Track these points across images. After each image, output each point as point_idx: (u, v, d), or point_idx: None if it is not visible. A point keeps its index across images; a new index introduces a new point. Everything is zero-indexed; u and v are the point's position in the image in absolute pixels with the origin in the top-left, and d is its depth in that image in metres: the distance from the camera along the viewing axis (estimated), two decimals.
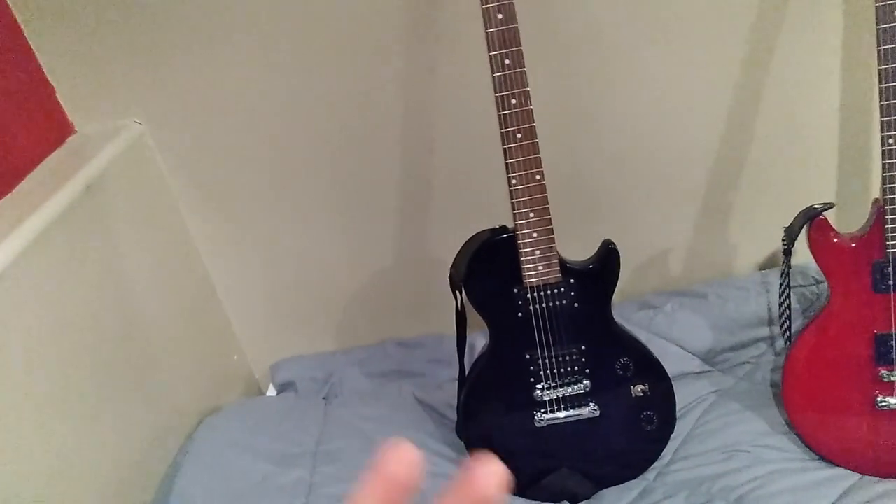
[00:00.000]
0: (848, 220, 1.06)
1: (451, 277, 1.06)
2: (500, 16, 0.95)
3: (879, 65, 0.92)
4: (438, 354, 1.33)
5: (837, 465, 1.05)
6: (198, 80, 1.18)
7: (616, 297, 1.38)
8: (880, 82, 0.93)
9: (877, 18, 0.90)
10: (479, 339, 1.24)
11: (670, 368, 1.20)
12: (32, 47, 1.15)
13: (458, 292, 1.06)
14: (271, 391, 1.42)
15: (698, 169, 1.25)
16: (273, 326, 1.44)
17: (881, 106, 0.93)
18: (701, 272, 1.34)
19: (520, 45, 0.96)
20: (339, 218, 1.31)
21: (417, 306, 1.40)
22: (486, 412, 1.10)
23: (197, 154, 1.25)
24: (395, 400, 1.25)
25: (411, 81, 1.18)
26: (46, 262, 0.99)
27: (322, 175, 1.27)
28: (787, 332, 1.11)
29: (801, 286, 1.23)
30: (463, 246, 1.06)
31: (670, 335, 1.25)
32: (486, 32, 0.95)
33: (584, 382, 1.07)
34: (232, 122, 1.22)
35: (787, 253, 1.05)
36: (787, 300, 1.10)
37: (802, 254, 1.05)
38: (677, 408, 1.14)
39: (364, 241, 1.34)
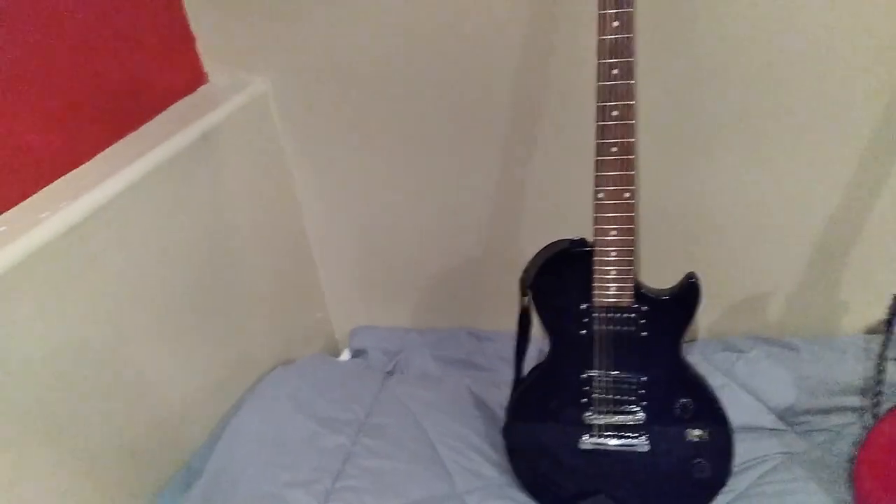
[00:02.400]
0: None
1: (521, 280, 1.05)
2: (615, 23, 0.91)
3: None
4: (508, 352, 1.31)
5: None
6: (327, 50, 1.23)
7: (702, 334, 1.33)
8: None
9: None
10: (546, 345, 1.23)
11: (741, 418, 1.15)
12: None
13: (525, 297, 1.05)
14: (346, 354, 1.48)
15: (818, 211, 1.15)
16: (359, 293, 1.50)
17: None
18: (799, 324, 1.24)
19: (631, 57, 0.92)
20: (438, 202, 1.34)
21: (498, 301, 1.40)
22: (534, 421, 1.09)
23: (313, 120, 1.31)
24: (452, 389, 1.26)
25: (521, 80, 1.17)
26: (158, 195, 1.08)
27: (428, 161, 1.29)
28: (877, 408, 1.01)
29: None
30: (539, 251, 1.04)
31: (749, 384, 1.18)
32: (598, 39, 0.92)
33: (638, 415, 1.03)
34: (353, 96, 1.26)
35: (891, 322, 0.96)
36: (884, 373, 1.00)
37: None
38: (738, 460, 1.08)
39: (456, 228, 1.36)
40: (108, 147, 1.10)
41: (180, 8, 1.25)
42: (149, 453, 1.08)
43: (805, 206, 1.15)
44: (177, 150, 1.12)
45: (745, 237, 1.20)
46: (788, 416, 1.16)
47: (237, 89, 1.27)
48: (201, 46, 1.29)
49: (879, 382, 1.00)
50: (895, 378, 1.11)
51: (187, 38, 1.28)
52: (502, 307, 1.39)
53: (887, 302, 0.97)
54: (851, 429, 1.12)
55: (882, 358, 0.99)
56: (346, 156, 1.34)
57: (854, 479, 0.99)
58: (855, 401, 1.13)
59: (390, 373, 1.35)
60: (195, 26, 1.27)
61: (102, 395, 1.00)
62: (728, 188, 1.17)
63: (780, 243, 1.20)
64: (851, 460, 1.07)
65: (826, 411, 1.15)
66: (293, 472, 1.04)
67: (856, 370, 1.14)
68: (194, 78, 1.30)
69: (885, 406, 1.02)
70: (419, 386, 1.28)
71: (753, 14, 1.04)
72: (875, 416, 1.02)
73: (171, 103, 1.24)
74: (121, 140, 1.12)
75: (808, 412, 1.15)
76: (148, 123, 1.18)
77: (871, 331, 1.22)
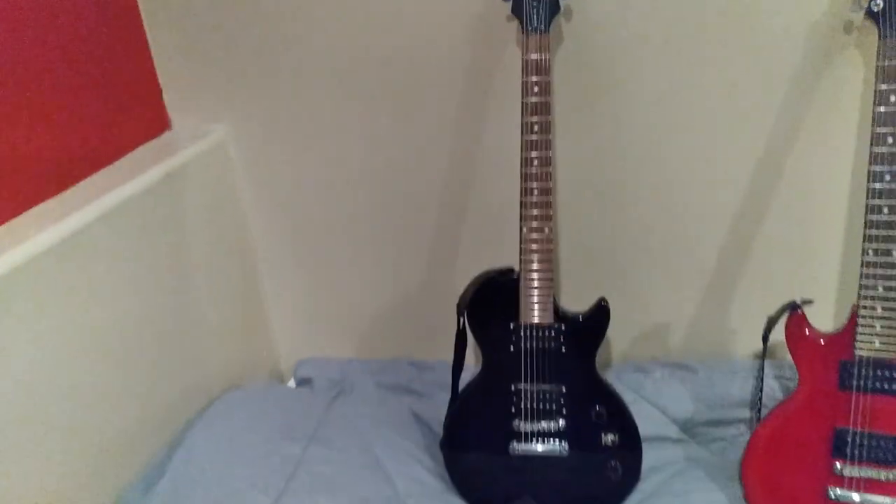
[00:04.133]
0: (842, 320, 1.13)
1: (457, 304, 1.19)
2: (536, 89, 1.09)
3: (868, 181, 1.01)
4: (447, 380, 1.43)
5: None
6: (286, 101, 1.38)
7: (617, 358, 1.50)
8: (868, 196, 1.02)
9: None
10: (478, 368, 1.36)
11: (649, 430, 1.29)
12: (151, 50, 1.37)
13: (461, 318, 1.19)
14: (292, 383, 1.57)
15: (708, 250, 1.34)
16: (306, 325, 1.61)
17: (865, 220, 1.02)
18: (700, 349, 1.42)
19: (549, 115, 1.10)
20: (383, 240, 1.48)
21: (436, 332, 1.52)
22: (468, 433, 1.21)
23: (268, 163, 1.44)
24: (394, 409, 1.38)
25: (460, 137, 1.34)
26: (122, 227, 1.18)
27: (374, 201, 1.44)
28: (758, 415, 1.18)
29: (787, 378, 1.30)
30: (473, 279, 1.19)
31: (656, 400, 1.34)
32: (522, 101, 1.10)
33: (560, 421, 1.17)
34: (309, 152, 1.41)
35: (765, 339, 1.14)
36: (761, 383, 1.17)
37: None
38: (646, 466, 1.23)
39: (399, 263, 1.50)
40: (76, 183, 1.20)
41: (149, 60, 1.38)
42: (114, 456, 1.15)
43: (699, 239, 1.34)
44: (143, 186, 1.23)
45: (647, 270, 1.38)
46: (689, 428, 1.32)
47: (199, 136, 1.40)
48: (167, 96, 1.42)
49: (761, 391, 1.17)
50: (778, 393, 1.29)
51: (154, 89, 1.40)
52: (440, 338, 1.52)
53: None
54: (742, 438, 1.28)
55: (761, 371, 1.16)
56: (300, 208, 1.48)
57: (741, 476, 1.15)
58: (745, 413, 1.30)
59: (335, 397, 1.45)
60: (162, 77, 1.40)
61: (74, 402, 1.07)
62: (631, 222, 1.35)
63: (677, 277, 1.38)
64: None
65: (720, 423, 1.31)
66: (249, 475, 1.13)
67: (745, 388, 1.31)
68: (159, 124, 1.42)
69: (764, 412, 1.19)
70: (363, 405, 1.38)
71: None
72: (757, 420, 1.18)
73: (138, 146, 1.36)
74: (89, 177, 1.23)
75: (705, 424, 1.32)
76: (116, 163, 1.29)
77: (758, 356, 1.41)
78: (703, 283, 1.37)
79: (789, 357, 1.11)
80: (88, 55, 1.23)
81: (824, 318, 1.16)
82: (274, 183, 1.46)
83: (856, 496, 1.06)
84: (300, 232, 1.50)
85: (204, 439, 1.20)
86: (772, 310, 1.15)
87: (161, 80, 1.40)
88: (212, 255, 1.42)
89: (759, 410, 1.18)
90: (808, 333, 1.07)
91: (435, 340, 1.53)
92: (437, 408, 1.38)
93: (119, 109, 1.31)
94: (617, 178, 1.32)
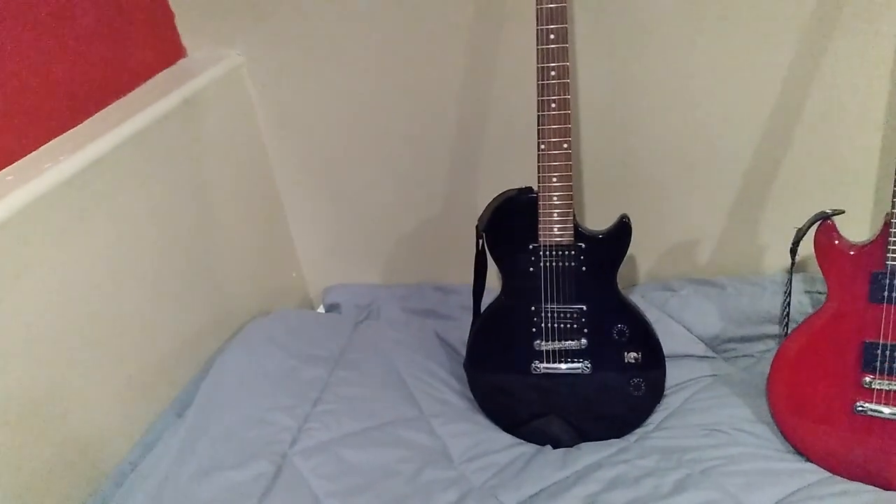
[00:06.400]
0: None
1: (476, 226, 1.18)
2: None
3: None
4: (470, 303, 1.45)
5: (809, 461, 1.10)
6: (298, 27, 1.35)
7: (643, 278, 1.47)
8: None
9: None
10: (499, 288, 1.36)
11: (674, 348, 1.29)
12: None
13: (480, 240, 1.17)
14: (320, 310, 1.60)
15: (737, 164, 1.29)
16: (331, 253, 1.62)
17: None
18: (728, 265, 1.39)
19: (565, 23, 1.05)
20: (402, 166, 1.46)
21: (459, 256, 1.52)
22: (491, 353, 1.22)
23: (283, 88, 1.42)
24: (418, 332, 1.39)
25: (476, 47, 1.30)
26: (142, 154, 1.19)
27: (391, 128, 1.42)
28: (785, 329, 1.16)
29: (818, 292, 1.27)
30: (492, 200, 1.17)
31: (681, 317, 1.32)
32: (537, 7, 1.05)
33: (581, 341, 1.16)
34: (323, 69, 1.38)
35: (794, 251, 1.10)
36: (789, 297, 1.14)
37: None
38: (671, 383, 1.22)
39: (419, 189, 1.48)
40: (93, 114, 1.20)
41: None
42: (147, 385, 1.19)
43: (726, 155, 1.29)
44: (162, 112, 1.23)
45: (674, 187, 1.34)
46: (715, 345, 1.31)
47: (214, 62, 1.38)
48: (179, 22, 1.40)
49: (788, 305, 1.14)
50: (808, 308, 1.26)
51: (167, 15, 1.38)
52: (464, 262, 1.52)
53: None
54: (771, 353, 1.26)
55: (788, 285, 1.13)
56: (316, 124, 1.45)
57: (767, 391, 1.13)
58: (774, 329, 1.28)
59: (361, 322, 1.47)
60: (174, 3, 1.37)
61: (106, 332, 1.11)
62: (656, 138, 1.31)
63: (705, 191, 1.34)
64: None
65: (748, 339, 1.29)
66: (275, 399, 1.16)
67: (774, 303, 1.28)
68: (174, 52, 1.40)
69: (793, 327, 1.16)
70: (389, 328, 1.40)
71: None
72: (785, 334, 1.16)
73: (154, 74, 1.35)
74: (110, 105, 1.23)
75: (732, 340, 1.30)
76: (133, 91, 1.29)
77: (789, 270, 1.37)
78: (732, 197, 1.33)
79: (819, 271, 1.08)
80: None
81: (859, 232, 1.11)
82: (290, 110, 1.44)
83: (885, 409, 1.04)
84: (319, 159, 1.49)
85: (232, 364, 1.23)
86: (803, 222, 1.11)
87: (172, 6, 1.37)
88: (234, 184, 1.42)
89: (787, 325, 1.16)
90: (837, 244, 1.04)
91: (459, 264, 1.52)
92: (462, 330, 1.39)
93: (132, 37, 1.29)
94: (640, 94, 1.27)
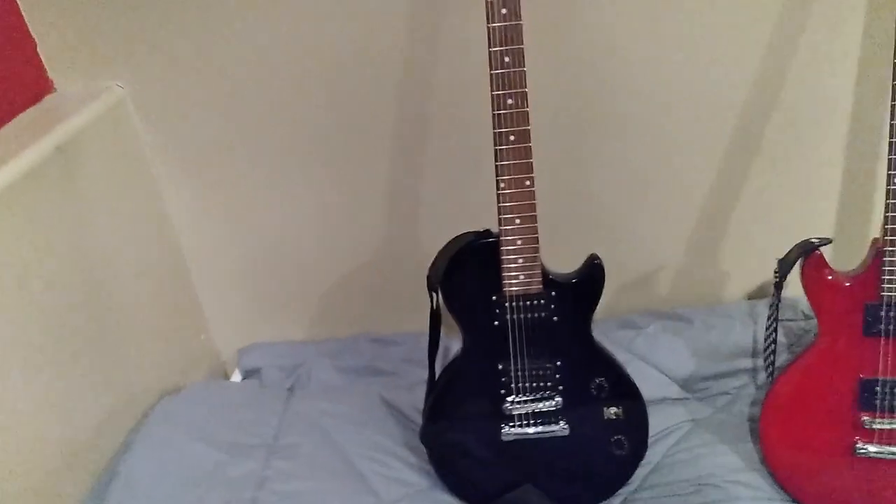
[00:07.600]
0: (843, 258, 1.02)
1: (428, 278, 1.02)
2: (503, 11, 0.90)
3: (893, 99, 0.89)
4: (413, 354, 1.29)
5: None
6: (186, 46, 1.14)
7: (599, 313, 1.35)
8: (892, 118, 0.89)
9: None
10: (454, 343, 1.20)
11: (647, 392, 1.16)
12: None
13: (434, 293, 1.02)
14: (237, 376, 1.38)
15: (696, 190, 1.22)
16: (244, 309, 1.40)
17: (891, 143, 0.90)
18: (688, 296, 1.30)
19: (521, 44, 0.91)
20: (322, 202, 1.28)
21: (397, 303, 1.36)
22: (453, 420, 1.06)
23: (179, 124, 1.21)
24: (361, 398, 1.21)
25: (412, 67, 1.14)
26: (7, 220, 0.94)
27: (307, 155, 1.23)
28: (771, 367, 1.08)
29: (789, 320, 1.20)
30: (444, 246, 1.02)
31: (650, 358, 1.22)
32: (488, 27, 0.91)
33: (556, 399, 1.02)
34: (219, 94, 1.18)
35: (779, 286, 1.01)
36: (774, 334, 1.06)
37: (792, 287, 1.01)
38: (650, 433, 1.11)
39: (346, 230, 1.30)
40: None
41: (15, 6, 1.11)
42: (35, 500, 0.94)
43: (687, 179, 1.20)
44: (28, 166, 0.99)
45: (631, 215, 1.24)
46: (689, 385, 1.21)
47: (91, 97, 1.15)
48: (43, 51, 1.15)
49: (774, 342, 1.06)
50: (781, 337, 1.19)
51: (26, 42, 1.13)
52: (402, 309, 1.36)
53: (769, 268, 1.03)
54: (747, 389, 1.19)
55: (773, 319, 1.05)
56: (219, 166, 1.25)
57: (760, 435, 1.04)
58: (747, 363, 1.20)
59: (290, 390, 1.27)
60: (34, 29, 1.13)
61: None
62: (615, 169, 1.20)
63: (664, 219, 1.24)
64: (751, 419, 1.13)
65: (722, 376, 1.21)
66: None
67: (745, 334, 1.21)
68: (38, 87, 1.16)
69: (779, 362, 1.08)
70: (325, 399, 1.21)
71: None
72: (770, 374, 1.07)
73: (14, 116, 1.10)
74: None
75: (706, 378, 1.21)
76: None
77: (751, 296, 1.31)
78: (692, 224, 1.24)
79: (789, 294, 1.01)
80: None
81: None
82: (187, 144, 1.23)
83: (888, 449, 0.97)
84: (223, 198, 1.28)
85: (143, 463, 1.01)
86: (765, 249, 1.04)
87: (32, 31, 1.13)
88: (125, 239, 1.19)
89: (774, 363, 1.07)
90: (828, 276, 0.95)
91: (396, 310, 1.37)
92: (410, 390, 1.23)
93: None
94: (594, 112, 1.16)
